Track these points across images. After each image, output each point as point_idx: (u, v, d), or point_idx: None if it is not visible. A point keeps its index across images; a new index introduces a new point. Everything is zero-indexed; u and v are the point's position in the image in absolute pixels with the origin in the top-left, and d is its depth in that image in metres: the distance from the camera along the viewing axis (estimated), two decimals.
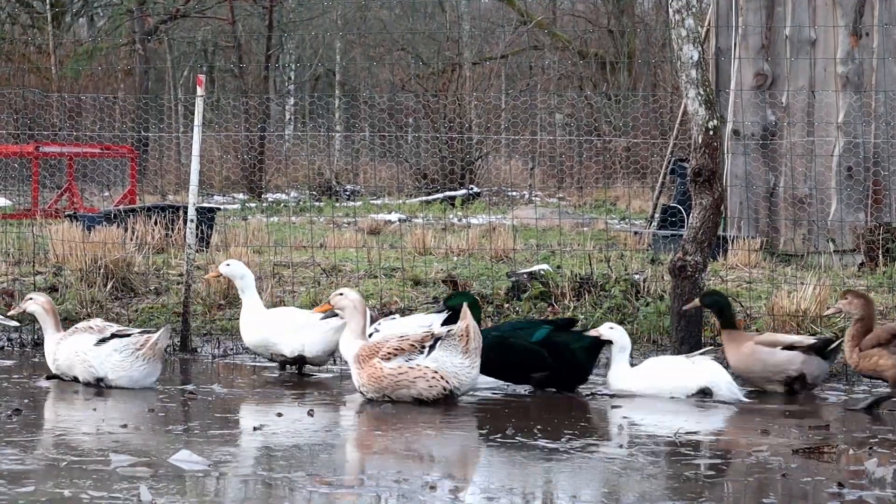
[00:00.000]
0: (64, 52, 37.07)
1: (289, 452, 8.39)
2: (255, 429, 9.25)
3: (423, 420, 9.60)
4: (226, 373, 11.92)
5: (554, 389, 10.91)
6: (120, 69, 36.34)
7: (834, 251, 16.51)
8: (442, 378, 10.07)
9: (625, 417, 9.92)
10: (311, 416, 9.65)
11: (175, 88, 44.00)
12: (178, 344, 12.73)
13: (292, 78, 46.51)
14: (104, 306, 13.58)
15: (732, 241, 16.30)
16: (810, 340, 10.98)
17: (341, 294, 10.59)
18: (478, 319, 10.59)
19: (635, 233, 18.94)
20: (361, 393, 10.33)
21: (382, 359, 10.12)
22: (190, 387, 10.94)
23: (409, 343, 10.14)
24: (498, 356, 10.69)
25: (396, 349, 10.12)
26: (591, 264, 13.87)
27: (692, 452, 8.53)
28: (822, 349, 10.93)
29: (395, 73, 37.26)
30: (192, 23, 42.29)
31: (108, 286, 13.97)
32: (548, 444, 8.67)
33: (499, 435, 8.98)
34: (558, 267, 14.41)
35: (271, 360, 11.84)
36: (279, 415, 9.71)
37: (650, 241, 17.96)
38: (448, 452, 8.72)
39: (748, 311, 12.78)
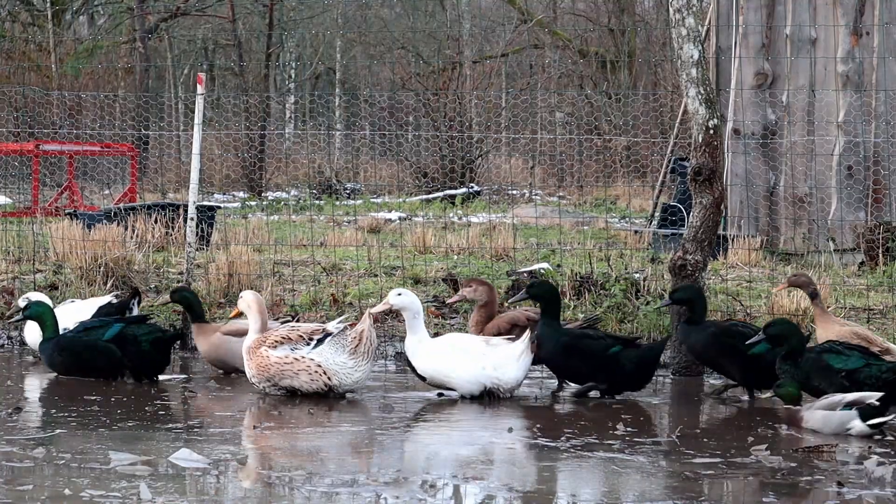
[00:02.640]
0: (64, 50, 37.06)
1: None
2: (254, 427, 9.26)
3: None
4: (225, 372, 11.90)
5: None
6: (120, 67, 36.33)
7: (834, 250, 16.51)
8: (325, 373, 10.27)
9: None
10: (311, 415, 9.68)
11: (175, 86, 44.00)
12: (179, 342, 12.72)
13: (293, 76, 46.50)
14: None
15: (733, 239, 16.31)
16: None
17: (241, 297, 10.87)
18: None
19: (635, 231, 18.94)
20: (254, 384, 10.48)
21: (269, 346, 10.33)
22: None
23: (298, 333, 10.35)
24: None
25: (284, 338, 10.33)
26: (591, 263, 13.87)
27: None
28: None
29: (395, 72, 37.24)
30: (192, 21, 42.29)
31: (109, 284, 13.96)
32: None
33: None
34: (558, 266, 14.41)
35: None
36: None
37: (650, 239, 17.96)
38: None
39: (748, 310, 12.78)
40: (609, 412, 10.04)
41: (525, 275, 13.75)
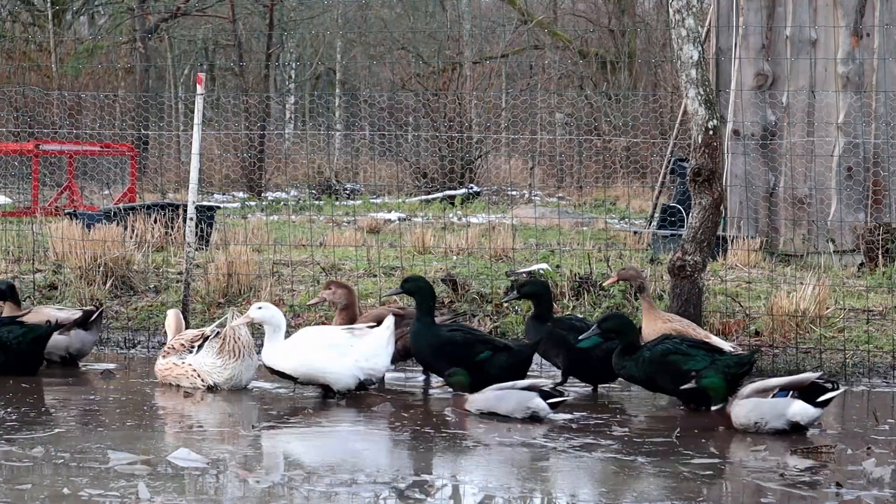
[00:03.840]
0: (64, 50, 37.07)
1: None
2: (252, 426, 9.26)
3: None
4: None
5: None
6: (120, 67, 36.33)
7: (834, 251, 16.51)
8: (199, 375, 10.75)
9: None
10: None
11: (175, 86, 44.01)
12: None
13: (293, 76, 46.50)
14: (104, 304, 13.57)
15: (732, 240, 16.30)
16: (77, 315, 11.80)
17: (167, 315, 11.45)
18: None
19: (635, 232, 18.94)
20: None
21: (162, 357, 11.03)
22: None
23: (181, 343, 10.92)
24: None
25: (171, 348, 10.97)
26: (590, 264, 13.87)
27: None
28: (84, 323, 11.76)
29: (395, 72, 37.25)
30: (192, 21, 42.29)
31: (108, 284, 13.96)
32: None
33: None
34: (557, 266, 14.41)
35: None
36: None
37: (650, 240, 17.96)
38: None
39: (747, 311, 12.77)
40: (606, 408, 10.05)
41: (524, 275, 13.74)
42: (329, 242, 16.73)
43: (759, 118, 17.20)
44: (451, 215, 23.57)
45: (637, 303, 12.75)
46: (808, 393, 9.08)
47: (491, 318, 12.82)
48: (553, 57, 38.59)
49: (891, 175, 16.78)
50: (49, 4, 37.05)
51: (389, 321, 10.47)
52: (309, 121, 42.52)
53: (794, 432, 9.09)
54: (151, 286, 14.30)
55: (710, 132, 11.66)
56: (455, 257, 16.30)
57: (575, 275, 13.35)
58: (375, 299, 13.41)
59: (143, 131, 26.20)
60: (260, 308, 10.61)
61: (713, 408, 9.39)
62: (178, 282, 14.01)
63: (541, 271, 13.80)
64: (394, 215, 23.45)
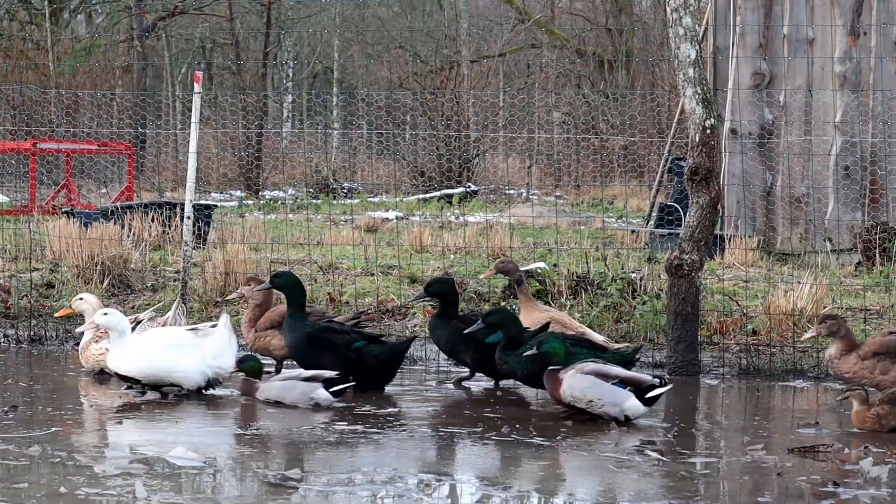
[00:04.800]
0: (62, 49, 37.04)
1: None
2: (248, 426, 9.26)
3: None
4: None
5: None
6: (118, 66, 36.32)
7: (831, 250, 16.52)
8: None
9: None
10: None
11: (173, 85, 43.99)
12: None
13: (290, 75, 46.49)
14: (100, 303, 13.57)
15: (729, 239, 16.31)
16: None
17: (81, 298, 11.31)
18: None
19: (632, 231, 18.95)
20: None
21: (94, 341, 11.03)
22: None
23: None
24: None
25: (106, 332, 10.77)
26: (587, 262, 13.87)
27: None
28: None
29: (392, 71, 37.25)
30: (190, 20, 42.28)
31: (105, 283, 13.96)
32: None
33: None
34: (555, 265, 14.41)
35: None
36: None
37: (647, 239, 17.97)
38: None
39: (744, 310, 12.78)
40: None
41: (522, 274, 13.74)
42: (326, 241, 16.73)
43: (757, 117, 17.21)
44: (448, 214, 23.58)
45: (635, 302, 12.76)
46: (639, 390, 9.32)
47: None
48: (550, 56, 38.60)
49: (888, 174, 16.79)
50: (46, 3, 37.04)
51: (224, 318, 10.50)
52: (306, 119, 42.53)
53: (619, 423, 9.27)
54: (149, 285, 14.29)
55: (708, 131, 11.66)
56: (452, 256, 16.30)
57: (572, 274, 13.35)
58: (373, 298, 13.41)
59: (140, 130, 26.19)
60: (105, 314, 10.54)
61: (552, 369, 9.47)
62: (175, 280, 14.00)
63: (539, 270, 13.80)
64: (391, 214, 23.46)
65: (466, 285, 13.59)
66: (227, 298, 12.68)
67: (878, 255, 15.60)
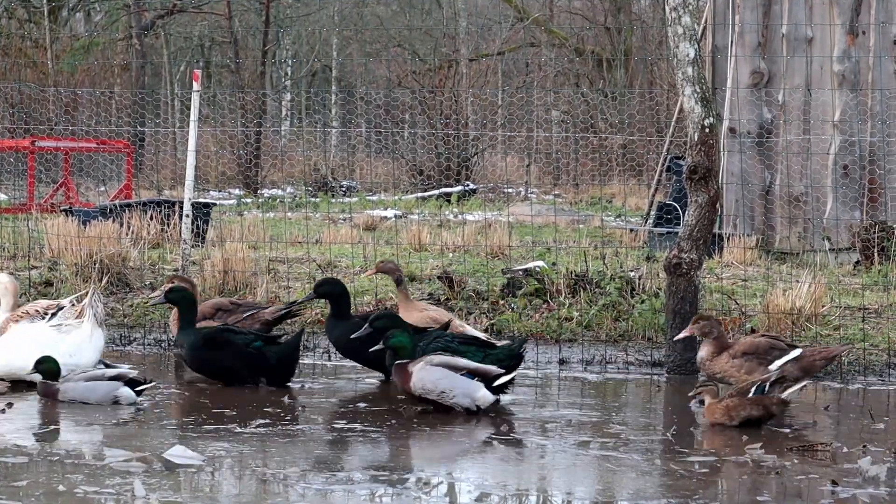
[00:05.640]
0: (60, 47, 37.04)
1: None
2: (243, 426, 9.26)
3: None
4: None
5: None
6: (116, 64, 36.32)
7: (829, 249, 16.52)
8: None
9: None
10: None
11: (171, 84, 44.00)
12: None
13: (289, 74, 46.51)
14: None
15: (728, 238, 16.31)
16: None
17: None
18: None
19: (631, 230, 18.95)
20: None
21: (13, 321, 10.66)
22: None
23: (35, 309, 10.73)
24: None
25: (25, 313, 10.68)
26: (586, 261, 13.87)
27: None
28: None
29: (391, 70, 37.27)
30: (188, 18, 42.29)
31: (104, 281, 13.96)
32: None
33: None
34: (554, 264, 14.41)
35: None
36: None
37: (646, 238, 17.97)
38: None
39: (743, 309, 12.78)
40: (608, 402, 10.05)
41: (520, 273, 13.75)
42: (325, 239, 16.73)
43: (756, 116, 17.21)
44: (447, 213, 23.59)
45: (634, 300, 12.77)
46: (487, 379, 9.51)
47: (487, 316, 12.82)
48: (549, 54, 38.61)
49: (886, 173, 16.79)
50: (45, 1, 37.03)
51: (88, 312, 10.47)
52: (305, 118, 42.55)
53: (470, 413, 9.41)
54: (147, 283, 14.29)
55: (707, 130, 11.66)
56: (451, 255, 16.30)
57: (571, 272, 13.35)
58: (372, 296, 13.41)
59: (139, 128, 26.21)
60: None
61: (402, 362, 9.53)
62: (173, 279, 13.98)
63: (537, 269, 13.80)
64: (390, 212, 23.47)
65: (465, 284, 13.59)
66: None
67: (876, 254, 15.60)
